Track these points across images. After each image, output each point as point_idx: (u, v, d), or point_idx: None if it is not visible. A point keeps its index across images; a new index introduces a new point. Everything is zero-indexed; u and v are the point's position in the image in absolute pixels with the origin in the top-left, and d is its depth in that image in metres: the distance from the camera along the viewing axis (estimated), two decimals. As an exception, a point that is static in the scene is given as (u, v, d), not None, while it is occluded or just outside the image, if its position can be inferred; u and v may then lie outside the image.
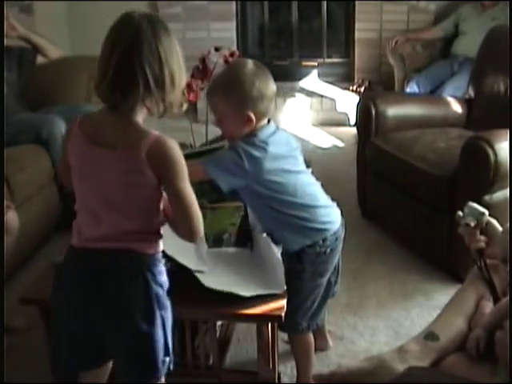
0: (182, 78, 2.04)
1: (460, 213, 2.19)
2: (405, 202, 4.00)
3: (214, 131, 3.18)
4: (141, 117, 2.04)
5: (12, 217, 3.26)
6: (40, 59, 4.76)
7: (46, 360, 2.67)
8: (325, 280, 2.65)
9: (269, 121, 2.51)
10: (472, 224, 2.14)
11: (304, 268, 2.55)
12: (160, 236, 2.13)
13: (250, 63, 2.50)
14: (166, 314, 2.12)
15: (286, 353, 3.00)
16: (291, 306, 2.50)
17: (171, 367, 2.19)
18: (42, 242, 4.09)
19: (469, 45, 5.63)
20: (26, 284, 2.82)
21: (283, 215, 2.49)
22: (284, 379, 2.92)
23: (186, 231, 2.04)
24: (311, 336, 2.78)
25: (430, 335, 2.16)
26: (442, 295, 3.48)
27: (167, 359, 2.16)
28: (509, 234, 2.07)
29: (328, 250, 2.56)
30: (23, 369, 3.01)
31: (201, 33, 7.07)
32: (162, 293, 2.10)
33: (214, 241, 2.72)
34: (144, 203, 2.04)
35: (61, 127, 4.21)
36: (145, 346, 2.09)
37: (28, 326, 3.23)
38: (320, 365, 3.00)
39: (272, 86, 2.47)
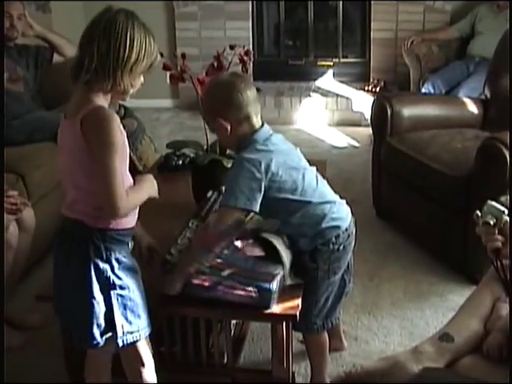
0: (132, 61, 2.12)
1: (478, 212, 2.18)
2: (420, 202, 4.00)
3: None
4: (101, 97, 2.15)
5: (28, 214, 3.28)
6: (57, 58, 4.77)
7: (61, 356, 2.68)
8: (338, 278, 2.65)
9: (262, 125, 2.57)
10: (491, 222, 2.13)
11: (318, 266, 2.54)
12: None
13: (219, 77, 2.67)
14: (113, 291, 2.21)
15: (301, 352, 3.01)
16: (305, 306, 2.51)
17: (123, 343, 2.26)
18: (58, 240, 4.09)
19: (485, 45, 5.62)
20: (42, 281, 2.84)
21: (295, 217, 2.49)
22: (298, 379, 2.91)
23: (106, 204, 2.12)
24: (326, 335, 2.78)
25: (444, 336, 2.16)
26: (457, 296, 3.47)
27: (111, 334, 2.24)
28: (509, 234, 2.06)
29: (341, 248, 2.56)
30: (39, 365, 3.02)
31: (216, 32, 7.07)
32: (108, 268, 2.19)
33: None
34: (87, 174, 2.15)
35: (77, 125, 4.22)
36: (76, 313, 2.23)
37: (44, 322, 3.25)
38: (334, 365, 3.00)
39: (238, 93, 2.48)
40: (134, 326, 2.25)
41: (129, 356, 2.36)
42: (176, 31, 7.14)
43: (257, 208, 2.40)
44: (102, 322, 2.21)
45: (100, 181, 2.09)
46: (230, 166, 3.02)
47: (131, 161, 4.40)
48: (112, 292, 2.19)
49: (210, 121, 2.54)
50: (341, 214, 2.58)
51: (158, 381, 2.41)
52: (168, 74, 3.10)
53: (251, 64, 3.36)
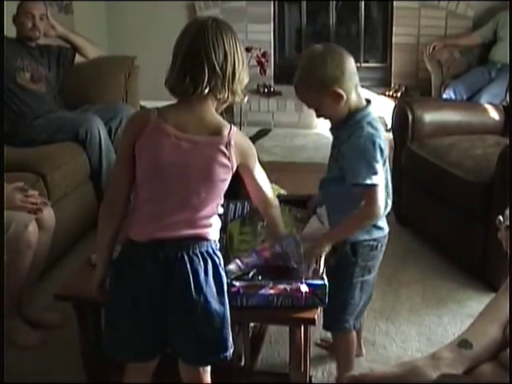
0: (243, 71, 2.15)
1: (501, 217, 2.16)
2: (440, 208, 3.98)
3: (249, 133, 3.20)
4: (213, 107, 2.17)
5: (48, 214, 3.29)
6: (79, 58, 4.81)
7: (79, 355, 2.69)
8: (372, 277, 2.65)
9: (367, 103, 2.51)
10: None
11: (356, 261, 2.55)
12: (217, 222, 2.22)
13: (317, 46, 2.47)
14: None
15: (318, 356, 3.01)
16: (340, 303, 2.53)
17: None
18: (77, 240, 4.12)
19: (507, 52, 5.59)
20: (61, 280, 2.85)
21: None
22: (315, 382, 2.92)
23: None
24: (354, 335, 2.78)
25: (463, 343, 2.14)
26: (475, 303, 3.46)
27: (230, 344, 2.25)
28: (509, 234, 2.05)
29: (379, 245, 2.58)
30: (56, 364, 3.03)
31: (239, 35, 7.03)
32: (224, 274, 2.20)
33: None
34: (221, 187, 2.17)
35: (99, 126, 4.25)
36: (216, 327, 2.18)
37: (62, 321, 3.26)
38: (351, 369, 3.00)
39: (348, 59, 2.43)
40: None
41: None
42: (198, 34, 7.14)
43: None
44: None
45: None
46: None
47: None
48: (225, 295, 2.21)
49: (319, 93, 2.41)
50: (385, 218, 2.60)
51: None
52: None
53: (271, 66, 3.37)
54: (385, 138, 2.48)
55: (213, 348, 2.22)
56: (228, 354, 2.23)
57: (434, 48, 6.24)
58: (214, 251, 2.16)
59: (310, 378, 2.79)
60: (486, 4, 6.54)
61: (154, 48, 6.60)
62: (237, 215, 2.74)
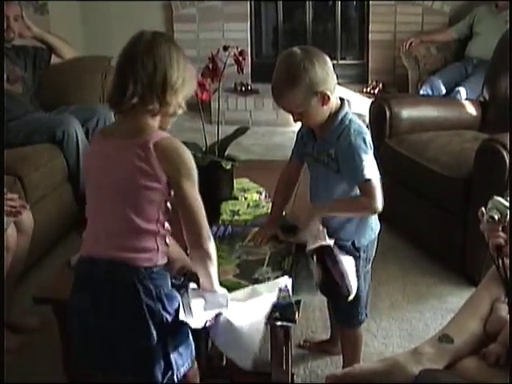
0: (183, 85, 2.10)
1: (483, 209, 2.17)
2: (419, 204, 3.99)
3: (226, 131, 3.18)
4: (155, 120, 2.10)
5: (27, 217, 3.27)
6: (55, 59, 4.78)
7: (59, 359, 2.67)
8: (369, 267, 2.69)
9: (342, 101, 2.51)
10: (496, 217, 2.12)
11: (359, 255, 2.57)
12: (161, 248, 2.11)
13: (295, 50, 2.45)
14: (166, 329, 2.10)
15: (300, 354, 3.00)
16: (353, 299, 2.53)
17: (177, 378, 2.17)
18: (56, 242, 4.10)
19: (483, 47, 5.61)
20: (40, 283, 2.83)
21: None
22: (297, 380, 2.91)
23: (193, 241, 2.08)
24: (362, 334, 2.82)
25: (444, 338, 2.15)
26: (456, 298, 3.47)
27: (170, 373, 2.14)
28: (509, 234, 2.06)
29: (375, 236, 2.65)
30: (37, 367, 3.01)
31: (215, 34, 7.08)
32: (160, 307, 2.07)
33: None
34: (147, 197, 2.05)
35: (76, 127, 4.22)
36: (139, 359, 2.10)
37: (41, 324, 3.24)
38: (334, 367, 3.01)
39: (328, 60, 2.42)
40: (184, 357, 2.18)
41: None
42: (174, 33, 7.14)
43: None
44: (162, 362, 2.11)
45: (185, 213, 2.06)
46: (228, 167, 3.02)
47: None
48: (165, 329, 2.09)
49: (307, 96, 2.36)
50: None
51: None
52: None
53: (249, 65, 3.36)
54: None
55: (135, 380, 2.17)
56: None
57: (410, 44, 6.26)
58: (141, 281, 2.04)
59: (293, 375, 2.79)
60: (462, -1, 6.59)
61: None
62: (217, 236, 2.72)
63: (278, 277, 2.44)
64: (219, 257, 2.42)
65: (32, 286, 3.41)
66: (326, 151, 2.47)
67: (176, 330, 2.13)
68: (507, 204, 2.15)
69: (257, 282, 2.40)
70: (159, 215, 2.07)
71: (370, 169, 2.41)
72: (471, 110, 4.58)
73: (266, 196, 3.16)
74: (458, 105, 4.73)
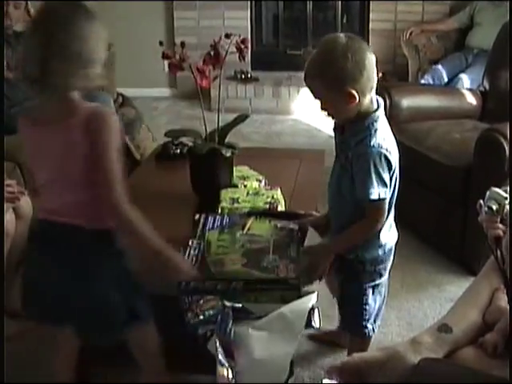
0: (90, 53, 2.17)
1: (481, 201, 2.17)
2: (418, 193, 3.99)
3: (226, 119, 3.18)
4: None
5: (25, 202, 3.27)
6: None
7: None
8: (385, 280, 2.59)
9: (378, 105, 2.42)
10: (494, 208, 2.12)
11: (364, 268, 2.49)
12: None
13: (340, 37, 2.34)
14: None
15: (302, 354, 3.00)
16: (355, 310, 2.53)
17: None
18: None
19: (483, 37, 5.61)
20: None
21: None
22: (300, 380, 2.91)
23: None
24: (370, 341, 2.72)
25: (443, 327, 2.15)
26: (455, 287, 3.47)
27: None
28: (509, 233, 2.06)
29: (387, 248, 2.52)
30: (38, 353, 3.01)
31: (215, 21, 7.06)
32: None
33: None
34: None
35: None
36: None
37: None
38: (332, 356, 3.02)
39: (370, 58, 2.29)
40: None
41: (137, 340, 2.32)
42: (174, 20, 7.13)
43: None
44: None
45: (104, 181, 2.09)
46: (228, 155, 3.01)
47: (128, 150, 4.41)
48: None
49: (331, 89, 2.28)
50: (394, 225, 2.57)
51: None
52: (167, 62, 3.08)
53: (249, 53, 3.35)
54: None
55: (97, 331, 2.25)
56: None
57: (411, 34, 6.26)
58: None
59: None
60: (463, -11, 6.56)
61: (130, 34, 6.57)
62: (215, 226, 2.70)
63: (287, 266, 2.38)
64: (221, 246, 2.43)
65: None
66: (345, 151, 2.39)
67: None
68: (505, 195, 2.15)
69: (266, 270, 2.36)
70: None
71: (378, 189, 2.31)
72: (471, 99, 4.57)
73: (265, 184, 3.15)
74: (458, 94, 4.72)
